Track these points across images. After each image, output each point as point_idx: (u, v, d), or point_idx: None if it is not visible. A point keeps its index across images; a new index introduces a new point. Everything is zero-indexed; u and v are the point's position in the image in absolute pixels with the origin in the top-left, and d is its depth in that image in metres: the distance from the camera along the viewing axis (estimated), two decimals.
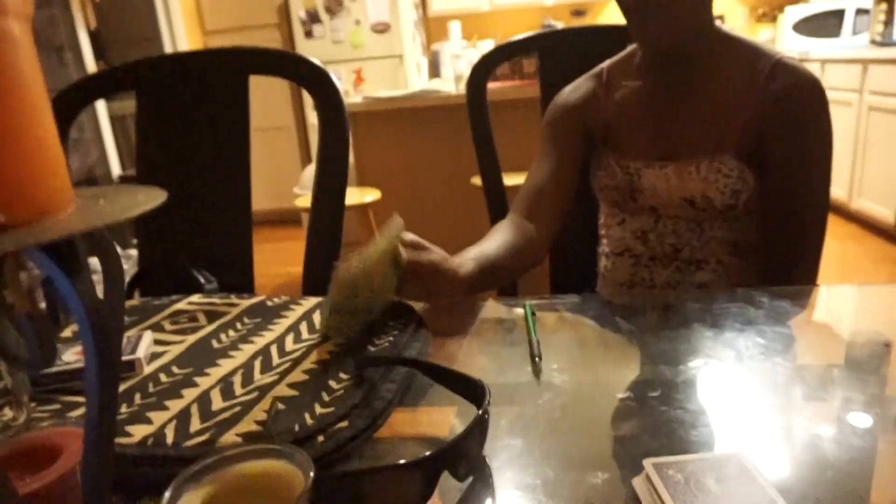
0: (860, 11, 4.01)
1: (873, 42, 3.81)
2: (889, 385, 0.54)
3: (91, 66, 3.37)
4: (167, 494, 0.33)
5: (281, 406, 0.52)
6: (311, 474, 0.34)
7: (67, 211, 0.26)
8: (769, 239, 0.89)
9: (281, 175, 4.57)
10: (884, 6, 4.04)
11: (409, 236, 0.73)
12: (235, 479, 0.36)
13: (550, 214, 0.97)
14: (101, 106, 3.45)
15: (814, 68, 3.83)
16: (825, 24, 4.17)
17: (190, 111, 1.03)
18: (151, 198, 0.25)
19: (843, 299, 0.78)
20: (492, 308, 0.79)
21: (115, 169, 3.62)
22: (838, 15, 4.09)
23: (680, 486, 0.39)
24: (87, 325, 0.24)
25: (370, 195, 2.50)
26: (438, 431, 0.52)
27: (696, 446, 0.47)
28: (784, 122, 0.84)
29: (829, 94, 3.02)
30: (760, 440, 0.47)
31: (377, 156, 2.77)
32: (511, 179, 2.37)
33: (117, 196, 0.26)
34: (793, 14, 4.34)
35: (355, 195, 2.52)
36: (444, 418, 0.54)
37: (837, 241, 3.35)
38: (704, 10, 0.85)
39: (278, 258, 3.77)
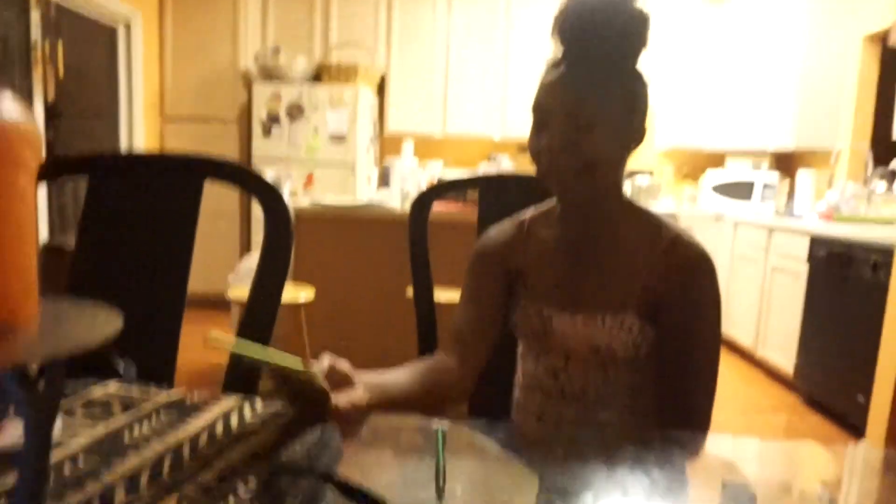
0: (767, 186, 4.53)
1: (777, 212, 4.27)
2: None
3: (41, 134, 3.35)
4: None
5: None
6: None
7: (34, 327, 0.30)
8: (664, 385, 0.97)
9: (216, 260, 4.52)
10: (786, 183, 4.58)
11: (341, 365, 0.75)
12: None
13: (474, 354, 1.01)
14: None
15: (727, 228, 4.23)
16: (739, 190, 4.67)
17: (141, 204, 1.07)
18: (110, 322, 0.29)
19: (728, 449, 0.86)
20: (408, 423, 0.82)
21: (44, 233, 3.50)
22: (749, 185, 4.60)
23: None
24: (32, 437, 0.27)
25: (304, 293, 2.51)
26: None
27: None
28: (678, 289, 0.94)
29: (740, 251, 3.32)
30: None
31: (317, 254, 2.82)
32: (444, 295, 2.45)
33: (79, 318, 0.30)
34: (712, 177, 4.84)
35: (290, 291, 2.53)
36: None
37: (743, 385, 3.55)
38: (616, 175, 0.95)
39: (198, 341, 3.64)
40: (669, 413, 0.95)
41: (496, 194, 1.28)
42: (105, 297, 1.07)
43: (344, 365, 0.76)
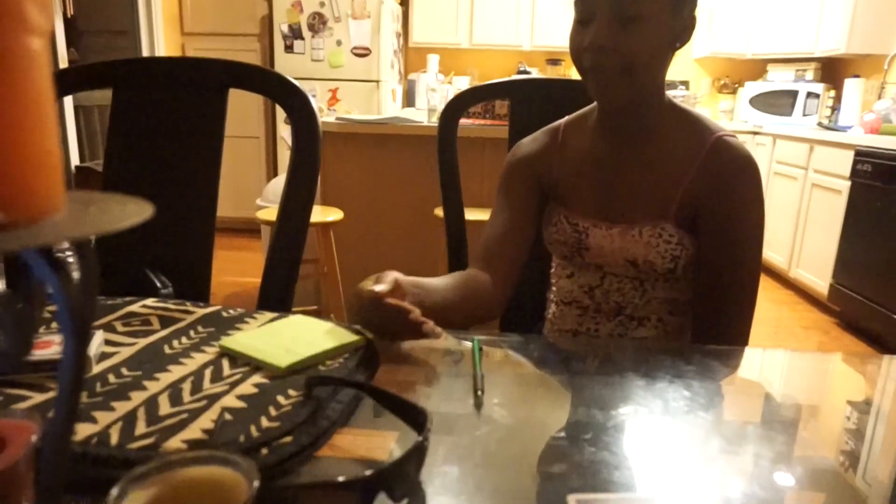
0: (811, 94, 4.29)
1: (820, 125, 4.07)
2: (796, 445, 0.59)
3: (62, 53, 3.31)
4: (114, 492, 0.35)
5: (228, 416, 0.54)
6: (256, 483, 0.35)
7: (61, 214, 0.28)
8: (703, 302, 0.95)
9: (245, 184, 4.54)
10: (832, 93, 4.33)
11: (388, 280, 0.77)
12: (181, 482, 0.37)
13: (506, 267, 0.99)
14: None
15: (766, 142, 4.06)
16: (779, 102, 4.44)
17: (166, 116, 1.05)
18: (140, 210, 0.27)
19: (768, 362, 0.84)
20: (442, 340, 0.81)
21: (74, 158, 3.53)
22: (792, 95, 4.37)
23: None
24: (70, 323, 0.26)
25: (333, 215, 2.51)
26: (379, 454, 0.54)
27: (618, 487, 0.50)
28: (720, 195, 0.90)
29: (777, 168, 3.20)
30: (676, 486, 0.51)
31: (343, 177, 2.79)
32: (473, 214, 2.43)
33: (107, 205, 0.28)
34: (751, 89, 4.60)
35: (318, 213, 2.53)
36: (385, 442, 0.56)
37: (774, 306, 3.52)
38: (659, 77, 0.90)
39: (233, 267, 3.72)
40: (711, 321, 0.94)
41: (528, 102, 1.22)
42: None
43: (391, 278, 0.78)
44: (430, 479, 0.50)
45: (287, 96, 1.03)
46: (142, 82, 1.05)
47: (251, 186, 4.52)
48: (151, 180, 1.06)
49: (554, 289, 1.07)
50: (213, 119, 1.05)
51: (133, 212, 0.27)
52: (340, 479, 0.42)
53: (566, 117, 1.04)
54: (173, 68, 1.05)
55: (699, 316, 0.96)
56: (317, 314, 0.75)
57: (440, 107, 2.54)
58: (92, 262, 0.31)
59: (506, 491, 0.50)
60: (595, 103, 0.99)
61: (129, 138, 1.06)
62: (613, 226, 0.94)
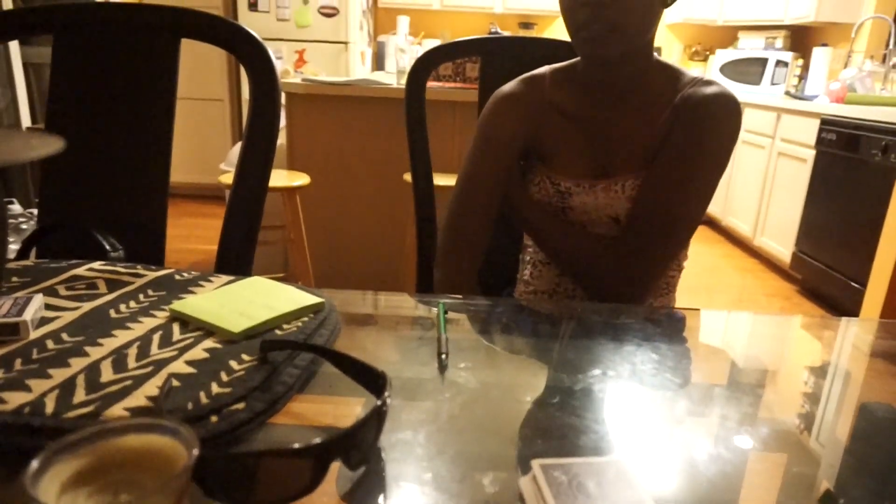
0: (780, 63, 4.32)
1: (787, 93, 4.11)
2: (762, 408, 0.59)
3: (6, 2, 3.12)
4: (34, 464, 0.31)
5: (176, 383, 0.51)
6: (195, 451, 0.33)
7: None
8: (617, 241, 0.91)
9: (208, 149, 4.40)
10: (800, 62, 4.37)
11: None
12: (115, 451, 0.34)
13: (489, 219, 0.96)
14: (14, 49, 3.20)
15: None
16: (749, 70, 4.46)
17: (113, 66, 0.98)
18: (47, 144, 0.23)
19: (734, 325, 0.84)
20: (406, 303, 0.79)
21: (26, 119, 3.36)
22: (761, 63, 4.39)
23: (563, 487, 0.40)
24: None
25: (299, 179, 2.44)
26: (340, 422, 0.52)
27: (584, 451, 0.49)
28: (682, 123, 0.87)
29: (745, 137, 3.22)
30: (643, 449, 0.50)
31: (310, 141, 2.72)
32: (443, 180, 2.39)
33: (10, 139, 0.25)
34: (722, 56, 4.61)
35: (284, 178, 2.46)
36: (347, 410, 0.54)
37: (738, 274, 3.58)
38: (650, 33, 0.88)
39: (196, 234, 3.62)
40: (609, 263, 0.89)
41: (500, 61, 1.18)
42: (82, 176, 1.01)
43: None
44: (391, 445, 0.48)
45: (241, 45, 0.97)
46: (85, 29, 0.98)
47: (216, 152, 4.39)
48: (98, 136, 1.00)
49: (530, 249, 1.05)
50: (163, 71, 0.99)
51: (38, 145, 0.24)
52: (294, 446, 0.40)
53: (547, 67, 1.00)
54: (118, 14, 0.97)
55: (609, 257, 0.91)
56: (284, 282, 0.71)
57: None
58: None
59: (469, 455, 0.48)
60: (576, 59, 0.96)
61: (71, 92, 0.99)
62: (596, 182, 0.92)
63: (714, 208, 4.35)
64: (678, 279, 1.01)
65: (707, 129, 0.86)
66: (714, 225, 4.58)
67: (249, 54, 0.97)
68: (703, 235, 4.38)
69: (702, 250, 4.00)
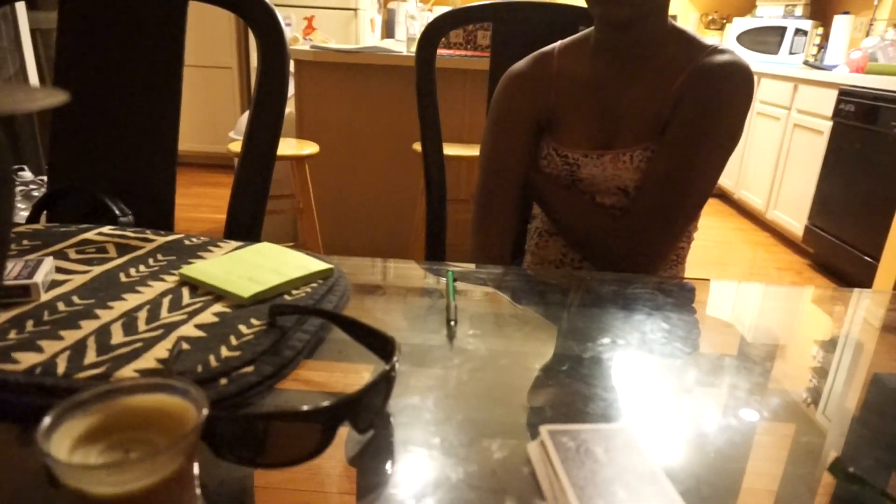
0: (798, 31, 4.21)
1: (806, 63, 4.01)
2: (771, 379, 0.58)
3: None
4: (46, 421, 0.32)
5: (185, 345, 0.51)
6: (204, 411, 0.33)
7: None
8: (629, 213, 0.90)
9: (218, 117, 4.38)
10: (820, 30, 4.26)
11: None
12: (124, 410, 0.34)
13: (512, 189, 0.97)
14: (21, 13, 3.17)
15: None
16: (767, 40, 4.36)
17: (118, 30, 0.97)
18: (49, 95, 0.23)
19: (747, 296, 0.83)
20: (415, 271, 0.79)
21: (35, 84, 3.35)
22: (780, 32, 4.28)
23: (570, 453, 0.40)
24: None
25: (308, 148, 2.43)
26: (348, 388, 0.52)
27: (592, 418, 0.49)
28: (694, 92, 0.85)
29: (761, 108, 3.16)
30: (651, 417, 0.50)
31: (320, 110, 2.70)
32: (454, 150, 2.37)
33: (13, 90, 0.24)
34: (739, 25, 4.50)
35: (293, 147, 2.45)
36: (356, 376, 0.54)
37: (749, 247, 3.56)
38: None
39: (205, 203, 3.63)
40: (619, 234, 0.89)
41: (512, 27, 1.16)
42: (90, 141, 1.01)
43: None
44: (399, 410, 0.48)
45: (250, 7, 0.96)
46: None
47: (225, 120, 4.37)
48: (105, 101, 0.99)
49: (537, 219, 1.05)
50: (170, 34, 0.97)
51: (41, 96, 0.23)
52: (303, 408, 0.40)
53: (557, 43, 0.99)
54: None
55: (618, 228, 0.90)
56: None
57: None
58: (4, 159, 0.27)
59: (477, 421, 0.48)
60: (589, 29, 0.95)
61: (79, 54, 0.98)
62: (605, 153, 0.91)
63: (726, 181, 4.30)
64: (688, 250, 1.01)
65: (719, 100, 0.84)
66: (726, 198, 4.54)
67: (258, 18, 0.96)
68: (714, 208, 4.34)
69: (713, 224, 3.97)
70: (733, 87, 0.84)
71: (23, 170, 2.91)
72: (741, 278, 3.07)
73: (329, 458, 0.42)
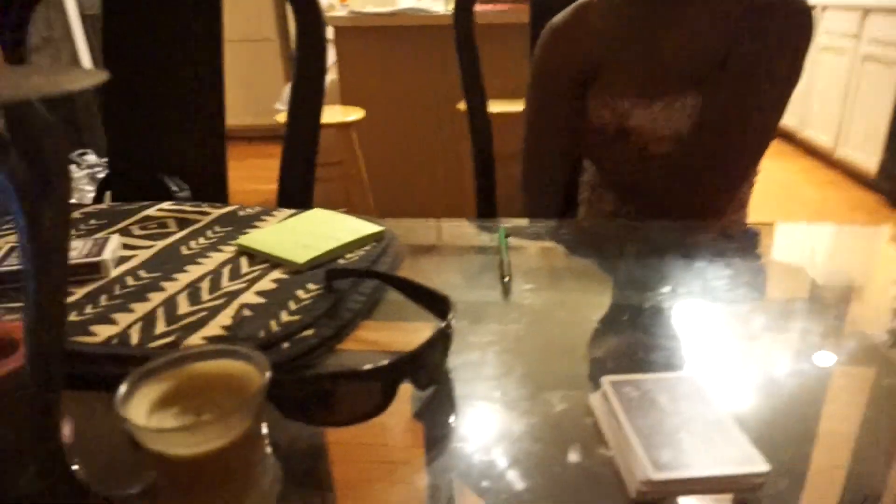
0: None
1: None
2: (846, 322, 0.56)
3: None
4: (122, 388, 0.33)
5: (248, 312, 0.52)
6: (268, 374, 0.34)
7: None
8: (686, 161, 0.86)
9: (262, 90, 4.43)
10: None
11: None
12: (193, 376, 0.36)
13: (559, 144, 0.96)
14: (70, 3, 3.26)
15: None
16: None
17: (157, 9, 0.98)
18: (90, 76, 0.23)
19: (817, 238, 0.79)
20: (467, 229, 0.78)
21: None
22: None
23: (634, 402, 0.40)
24: (20, 209, 0.23)
25: (354, 114, 2.43)
26: (407, 347, 0.52)
27: (656, 368, 0.48)
28: (752, 35, 0.80)
29: (824, 40, 2.95)
30: (718, 365, 0.49)
31: (362, 74, 2.68)
32: (498, 107, 2.32)
33: (54, 72, 0.24)
34: None
35: (338, 113, 2.45)
36: (414, 335, 0.54)
37: (818, 187, 3.38)
38: None
39: (256, 175, 3.70)
40: (680, 186, 0.86)
41: None
42: (141, 123, 1.03)
43: None
44: (459, 366, 0.48)
45: None
46: None
47: (270, 92, 4.41)
48: (153, 83, 1.01)
49: (589, 172, 1.02)
50: (207, 9, 0.98)
51: (82, 77, 0.23)
52: (365, 367, 0.41)
53: None
54: None
55: (675, 176, 0.87)
56: None
57: None
58: (56, 142, 0.27)
59: (537, 375, 0.48)
60: None
61: (123, 40, 1.00)
62: (655, 101, 0.86)
63: (789, 120, 4.07)
64: (750, 196, 0.96)
65: (774, 41, 0.79)
66: (789, 138, 4.30)
67: None
68: (776, 149, 4.13)
69: (775, 166, 3.78)
70: (792, 24, 0.79)
71: (87, 153, 3.03)
72: (810, 220, 2.93)
73: (394, 415, 0.43)
